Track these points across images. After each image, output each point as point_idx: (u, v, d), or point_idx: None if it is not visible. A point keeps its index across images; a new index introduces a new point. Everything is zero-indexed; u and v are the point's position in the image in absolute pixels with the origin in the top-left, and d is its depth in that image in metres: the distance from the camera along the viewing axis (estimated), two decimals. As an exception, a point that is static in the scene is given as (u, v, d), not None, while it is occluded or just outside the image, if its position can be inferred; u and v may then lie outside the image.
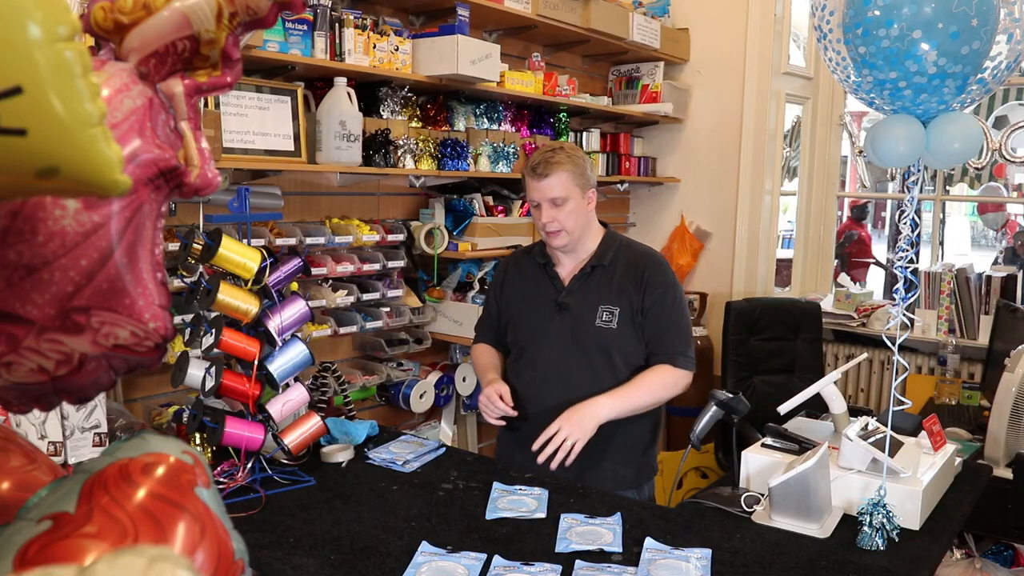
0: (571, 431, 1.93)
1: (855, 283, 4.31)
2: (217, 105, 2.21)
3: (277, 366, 1.88)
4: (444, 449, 2.11)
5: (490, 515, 1.68)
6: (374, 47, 2.55)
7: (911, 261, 1.59)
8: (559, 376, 2.11)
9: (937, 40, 1.42)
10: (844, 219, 7.31)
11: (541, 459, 1.93)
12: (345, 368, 2.81)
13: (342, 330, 2.67)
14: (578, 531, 1.64)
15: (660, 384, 2.08)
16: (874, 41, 1.48)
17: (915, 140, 1.53)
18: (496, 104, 3.19)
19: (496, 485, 1.83)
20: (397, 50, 2.62)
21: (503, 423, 2.08)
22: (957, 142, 1.53)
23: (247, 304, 1.82)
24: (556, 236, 2.10)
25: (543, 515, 1.69)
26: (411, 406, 2.88)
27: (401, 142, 2.67)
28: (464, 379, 3.11)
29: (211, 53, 0.77)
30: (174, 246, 2.08)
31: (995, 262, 6.08)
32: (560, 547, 1.57)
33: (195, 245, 1.81)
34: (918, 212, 1.65)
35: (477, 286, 3.10)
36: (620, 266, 2.15)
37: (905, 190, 1.61)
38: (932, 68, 1.45)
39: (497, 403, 2.05)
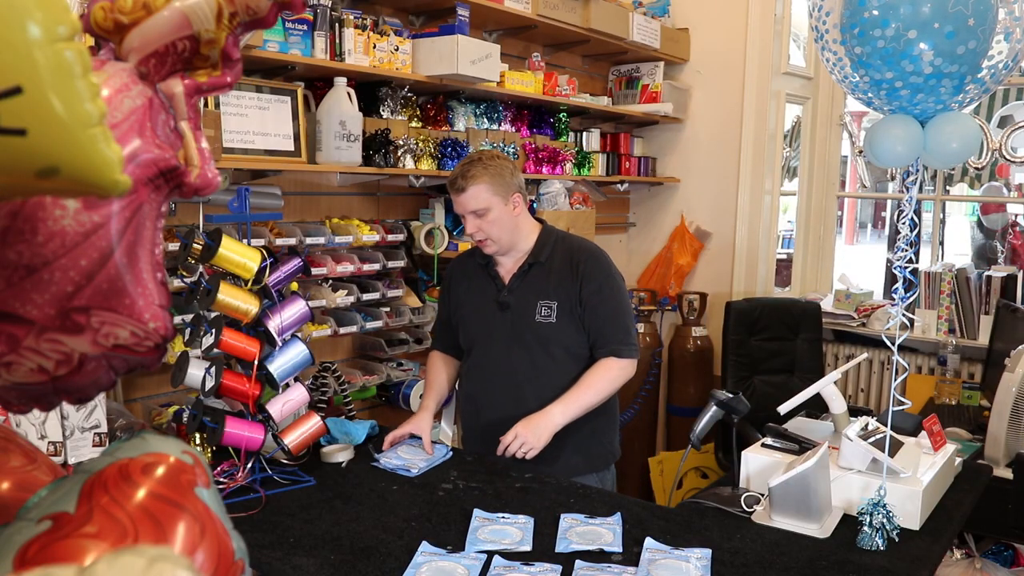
0: (526, 439, 2.01)
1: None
2: (217, 105, 2.21)
3: (277, 366, 1.88)
4: (452, 453, 2.11)
5: (470, 547, 1.56)
6: (374, 47, 2.55)
7: (910, 261, 1.59)
8: (506, 373, 2.16)
9: (933, 40, 1.42)
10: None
11: (499, 452, 2.03)
12: (345, 368, 2.81)
13: (342, 330, 2.67)
14: (578, 531, 1.64)
15: (606, 380, 2.13)
16: (870, 41, 1.48)
17: (913, 140, 1.53)
18: (496, 104, 3.19)
19: (476, 512, 1.71)
20: (397, 50, 2.62)
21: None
22: (955, 142, 1.53)
23: (247, 304, 1.82)
24: (484, 245, 2.16)
25: (528, 547, 1.57)
26: (411, 406, 2.87)
27: (401, 142, 2.67)
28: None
29: (211, 53, 0.77)
30: (174, 246, 2.08)
31: (995, 262, 6.08)
32: (560, 547, 1.57)
33: (195, 245, 1.81)
34: (917, 212, 1.65)
35: (477, 286, 3.10)
36: (556, 261, 2.18)
37: (904, 190, 1.61)
38: (928, 68, 1.45)
39: (388, 443, 2.10)
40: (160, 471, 0.72)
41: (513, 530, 1.65)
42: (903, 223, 1.59)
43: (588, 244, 2.26)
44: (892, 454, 1.70)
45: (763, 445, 1.94)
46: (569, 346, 2.15)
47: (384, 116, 2.72)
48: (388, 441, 2.10)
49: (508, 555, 1.53)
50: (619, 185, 3.85)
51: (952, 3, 1.39)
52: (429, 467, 2.01)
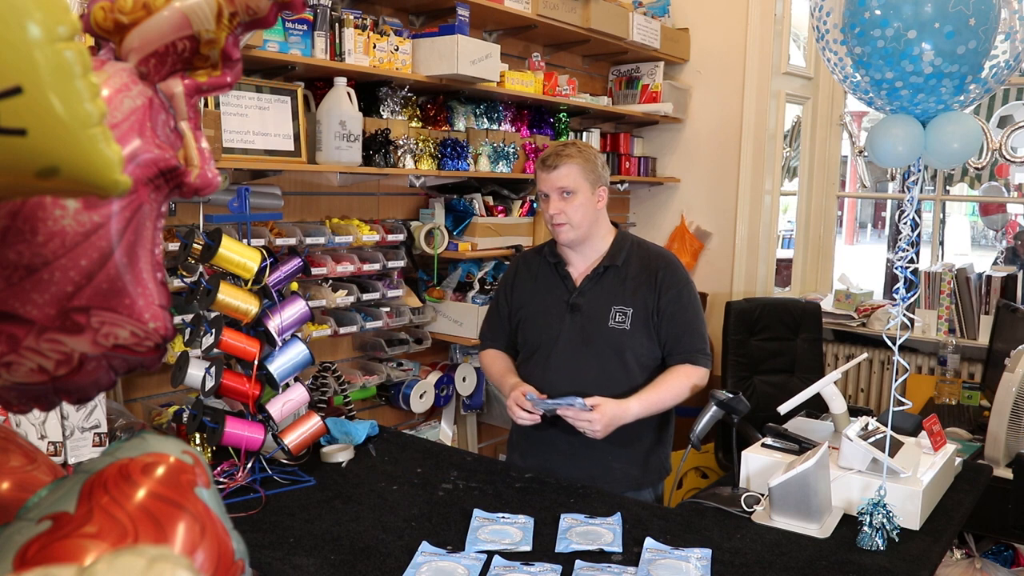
0: (598, 429, 1.95)
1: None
2: (217, 105, 2.21)
3: (277, 366, 1.88)
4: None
5: (470, 547, 1.56)
6: (374, 47, 2.55)
7: (911, 261, 1.59)
8: (571, 377, 2.09)
9: (933, 40, 1.42)
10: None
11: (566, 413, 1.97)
12: (345, 368, 2.81)
13: (342, 330, 2.67)
14: (578, 531, 1.64)
15: (682, 385, 2.09)
16: (870, 41, 1.48)
17: (914, 140, 1.53)
18: (496, 104, 3.19)
19: (476, 512, 1.71)
20: (397, 50, 2.62)
21: (537, 420, 2.03)
22: (956, 142, 1.53)
23: (247, 304, 1.82)
24: (561, 229, 2.09)
25: (528, 548, 1.57)
26: (411, 406, 2.88)
27: (401, 142, 2.67)
28: (464, 379, 3.11)
29: (211, 53, 0.77)
30: (174, 246, 2.08)
31: (995, 262, 6.07)
32: (560, 547, 1.57)
33: (195, 245, 1.81)
34: (918, 212, 1.65)
35: (477, 286, 3.10)
36: (633, 267, 2.14)
37: (905, 190, 1.61)
38: (928, 68, 1.45)
39: (519, 412, 2.01)
40: (160, 471, 0.72)
41: (513, 530, 1.65)
42: (904, 223, 1.59)
43: (664, 251, 2.24)
44: (892, 454, 1.70)
45: (763, 445, 1.94)
46: (640, 354, 2.10)
47: (384, 116, 2.72)
48: (515, 406, 2.02)
49: (508, 555, 1.53)
50: (619, 185, 3.85)
51: (952, 3, 1.39)
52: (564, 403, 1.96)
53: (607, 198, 2.17)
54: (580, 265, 2.17)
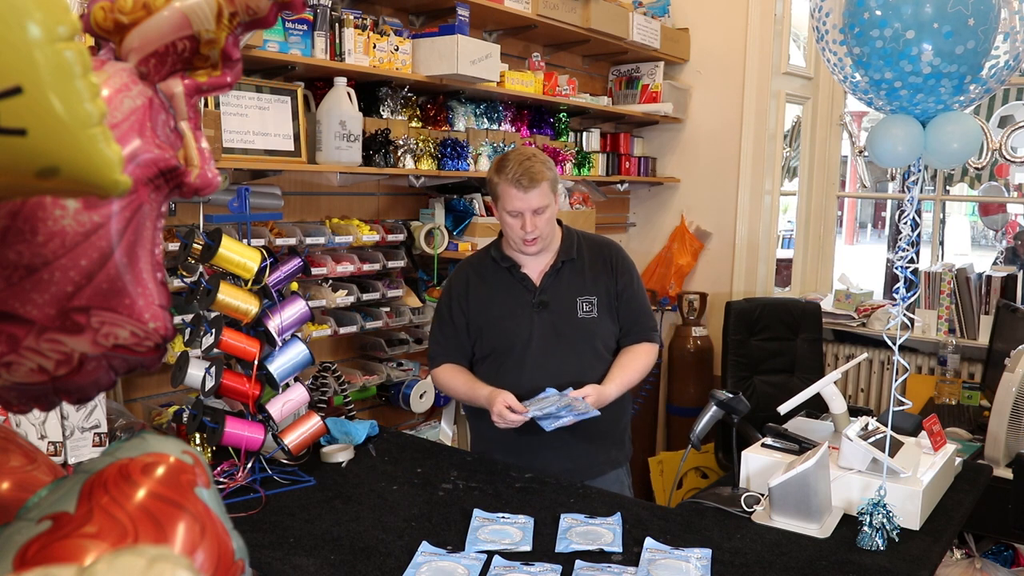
0: (592, 405, 1.99)
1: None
2: (217, 105, 2.21)
3: (277, 366, 1.88)
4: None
5: (470, 547, 1.57)
6: (374, 47, 2.55)
7: (911, 261, 1.59)
8: (549, 373, 2.10)
9: (931, 40, 1.42)
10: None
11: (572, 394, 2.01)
12: (345, 368, 2.81)
13: (342, 330, 2.67)
14: (578, 531, 1.64)
15: (648, 362, 2.21)
16: (868, 42, 1.48)
17: (913, 140, 1.53)
18: (496, 104, 3.19)
19: (476, 512, 1.71)
20: (397, 50, 2.62)
21: (525, 419, 2.01)
22: (956, 142, 1.53)
23: (247, 304, 1.82)
24: (533, 244, 2.11)
25: (528, 548, 1.58)
26: (411, 406, 2.88)
27: (401, 142, 2.67)
28: (464, 379, 3.10)
29: (211, 53, 0.77)
30: (174, 246, 2.08)
31: (995, 262, 6.07)
32: (560, 547, 1.57)
33: (195, 245, 1.81)
34: (918, 212, 1.65)
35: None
36: (586, 257, 2.20)
37: (905, 190, 1.61)
38: (927, 68, 1.45)
39: (509, 416, 1.99)
40: (160, 471, 0.72)
41: (513, 530, 1.65)
42: (904, 223, 1.59)
43: (606, 238, 2.32)
44: (892, 454, 1.70)
45: (763, 445, 1.94)
46: (607, 339, 2.18)
47: (384, 116, 2.72)
48: (501, 416, 1.99)
49: (508, 555, 1.53)
50: (619, 185, 3.85)
51: (951, 3, 1.39)
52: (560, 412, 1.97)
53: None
54: (535, 265, 2.19)
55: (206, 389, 1.81)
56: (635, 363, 2.17)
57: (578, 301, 2.15)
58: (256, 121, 2.33)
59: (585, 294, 2.16)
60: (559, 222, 2.25)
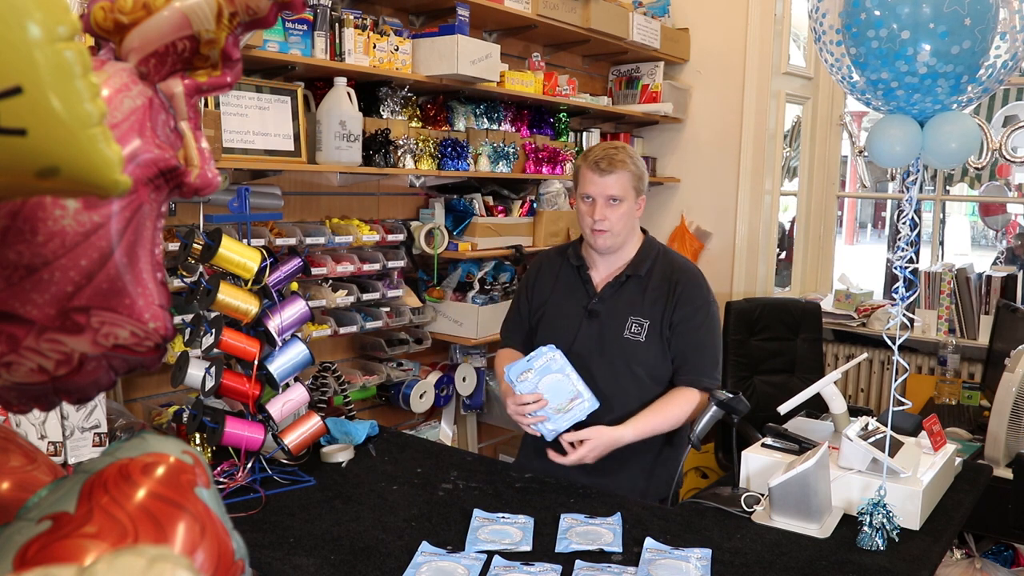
0: (588, 455, 1.93)
1: None
2: (217, 105, 2.21)
3: (277, 366, 1.88)
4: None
5: (470, 547, 1.56)
6: (374, 47, 2.55)
7: (910, 261, 1.59)
8: (583, 380, 2.03)
9: (927, 40, 1.42)
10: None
11: (554, 458, 1.95)
12: (345, 368, 2.81)
13: (342, 330, 2.67)
14: (578, 531, 1.64)
15: (683, 411, 2.05)
16: (864, 42, 1.48)
17: (911, 140, 1.53)
18: (496, 104, 3.19)
19: (476, 512, 1.71)
20: (397, 50, 2.62)
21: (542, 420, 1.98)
22: (954, 142, 1.53)
23: (247, 304, 1.82)
24: (601, 236, 2.05)
25: (528, 548, 1.57)
26: (411, 406, 2.88)
27: (401, 142, 2.67)
28: (464, 379, 3.10)
29: (211, 53, 0.77)
30: (174, 246, 2.08)
31: (995, 262, 6.07)
32: (560, 547, 1.57)
33: (195, 245, 1.81)
34: (918, 212, 1.65)
35: (477, 286, 3.10)
36: (655, 277, 2.10)
37: (904, 190, 1.61)
38: (923, 68, 1.44)
39: (526, 421, 1.97)
40: (160, 471, 0.72)
41: (513, 530, 1.65)
42: (903, 223, 1.59)
43: (690, 265, 2.18)
44: (892, 454, 1.70)
45: (763, 445, 1.94)
46: (653, 367, 2.06)
47: (384, 116, 2.72)
48: (516, 411, 1.97)
49: (508, 555, 1.53)
50: (619, 185, 3.84)
51: (947, 3, 1.39)
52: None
53: (643, 207, 2.14)
54: (603, 270, 2.14)
55: (206, 389, 1.81)
56: (667, 410, 2.03)
57: (629, 320, 2.06)
58: (256, 121, 2.33)
59: (638, 315, 2.06)
60: (645, 232, 2.19)
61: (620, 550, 1.57)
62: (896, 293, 1.62)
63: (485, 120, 3.14)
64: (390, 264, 2.80)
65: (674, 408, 2.04)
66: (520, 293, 2.26)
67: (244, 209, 1.98)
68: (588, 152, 2.09)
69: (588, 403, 1.96)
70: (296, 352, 1.92)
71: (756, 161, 3.85)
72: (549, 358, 1.98)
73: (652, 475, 2.12)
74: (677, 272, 2.11)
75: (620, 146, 2.09)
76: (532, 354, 1.99)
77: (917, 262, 1.69)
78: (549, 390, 1.97)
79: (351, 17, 2.51)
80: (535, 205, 3.35)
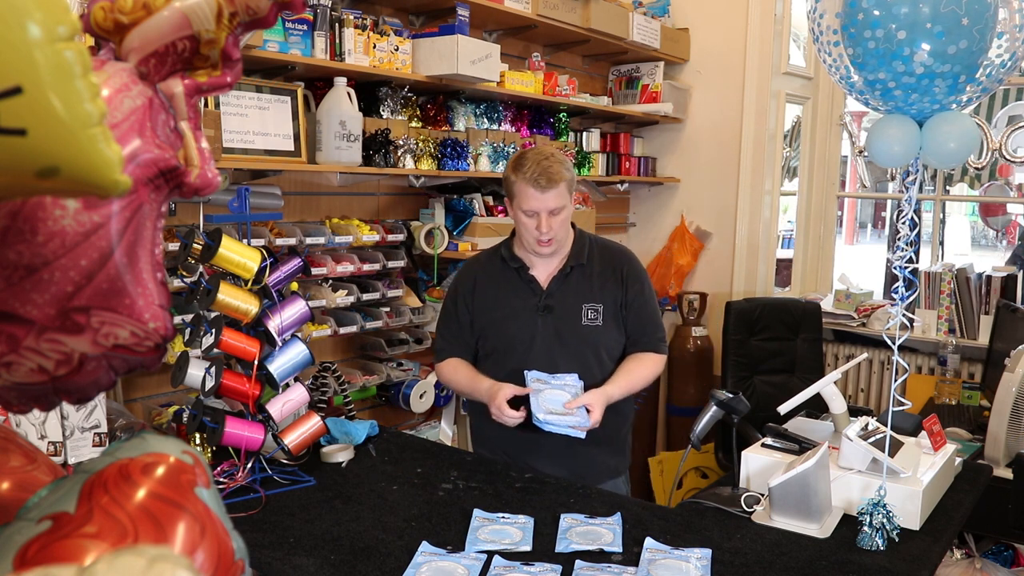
0: (597, 417, 1.96)
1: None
2: (217, 105, 2.21)
3: (277, 366, 1.88)
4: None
5: (470, 547, 1.57)
6: (374, 47, 2.55)
7: (910, 261, 1.59)
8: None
9: (923, 40, 1.42)
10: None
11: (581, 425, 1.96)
12: (345, 368, 2.81)
13: (342, 330, 2.67)
14: (578, 531, 1.64)
15: (652, 371, 2.19)
16: (861, 42, 1.48)
17: (910, 140, 1.53)
18: (496, 104, 3.19)
19: (476, 512, 1.72)
20: (397, 50, 2.62)
21: (523, 417, 1.99)
22: (953, 142, 1.53)
23: (247, 304, 1.82)
24: (548, 245, 2.09)
25: (528, 548, 1.58)
26: (411, 406, 2.88)
27: (401, 142, 2.67)
28: (464, 379, 3.10)
29: (211, 53, 0.77)
30: (174, 246, 2.08)
31: (1008, 263, 6.07)
32: (560, 547, 1.57)
33: (195, 245, 1.81)
34: (917, 212, 1.65)
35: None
36: (596, 264, 2.17)
37: (903, 190, 1.61)
38: (920, 68, 1.44)
39: (508, 413, 1.98)
40: (160, 471, 0.72)
41: (513, 530, 1.65)
42: (903, 223, 1.59)
43: (620, 246, 2.29)
44: (892, 454, 1.70)
45: (763, 445, 1.94)
46: (612, 348, 2.15)
47: (384, 116, 2.72)
48: (500, 411, 1.98)
49: (508, 555, 1.53)
50: (619, 185, 3.85)
51: (944, 3, 1.39)
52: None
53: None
54: (545, 268, 2.17)
55: (206, 389, 1.81)
56: (640, 370, 2.14)
57: (584, 308, 2.12)
58: (256, 121, 2.33)
59: (591, 301, 2.13)
60: (572, 225, 2.23)
61: (620, 550, 1.57)
62: (896, 293, 1.62)
63: (485, 120, 3.14)
64: (390, 264, 2.80)
65: (645, 370, 2.16)
66: (456, 304, 2.22)
67: (244, 209, 1.98)
68: (521, 165, 2.05)
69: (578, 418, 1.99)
70: (296, 352, 1.92)
71: (756, 161, 3.85)
72: (567, 383, 2.04)
73: (624, 454, 2.26)
74: (616, 256, 2.23)
75: (550, 154, 2.07)
76: (558, 375, 2.04)
77: (917, 262, 1.69)
78: (552, 400, 2.00)
79: (351, 17, 2.51)
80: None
